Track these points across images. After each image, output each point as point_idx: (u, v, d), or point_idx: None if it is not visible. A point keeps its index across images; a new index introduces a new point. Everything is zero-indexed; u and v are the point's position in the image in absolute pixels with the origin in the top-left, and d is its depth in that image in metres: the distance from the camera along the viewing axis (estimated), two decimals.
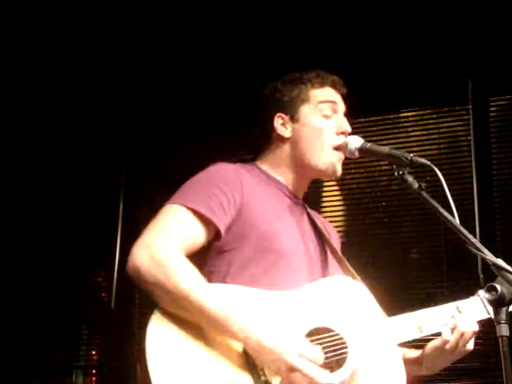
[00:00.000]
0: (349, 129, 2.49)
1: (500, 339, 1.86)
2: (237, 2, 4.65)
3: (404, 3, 4.56)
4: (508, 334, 1.86)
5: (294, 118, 2.49)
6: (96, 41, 4.97)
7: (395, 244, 4.88)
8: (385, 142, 4.77)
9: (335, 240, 2.66)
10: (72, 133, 5.41)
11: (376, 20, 4.69)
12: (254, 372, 2.09)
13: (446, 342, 2.29)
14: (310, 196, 4.99)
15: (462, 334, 2.28)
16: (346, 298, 2.33)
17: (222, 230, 2.26)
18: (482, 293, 2.27)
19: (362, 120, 5.04)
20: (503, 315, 1.86)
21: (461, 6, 4.52)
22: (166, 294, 2.09)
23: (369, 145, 2.34)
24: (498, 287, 1.85)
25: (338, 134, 2.47)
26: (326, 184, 5.04)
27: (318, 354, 2.10)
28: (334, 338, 2.18)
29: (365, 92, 4.80)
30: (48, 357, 5.25)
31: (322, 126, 2.47)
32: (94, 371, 5.37)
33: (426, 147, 4.91)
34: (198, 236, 2.24)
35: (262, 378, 2.08)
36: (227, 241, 2.29)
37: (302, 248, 2.42)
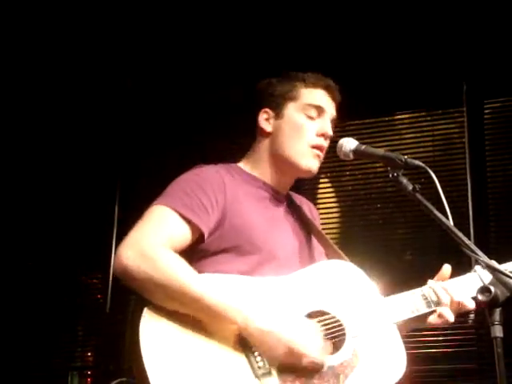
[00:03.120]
0: (330, 132, 2.49)
1: (494, 340, 1.86)
2: (233, 8, 4.67)
3: (399, 7, 4.57)
4: (502, 335, 1.86)
5: (278, 115, 2.50)
6: (92, 45, 4.98)
7: (390, 246, 4.89)
8: (379, 145, 4.78)
9: (319, 225, 2.68)
10: (68, 136, 5.42)
11: (371, 23, 4.70)
12: (251, 357, 2.10)
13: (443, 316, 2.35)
14: (305, 197, 5.02)
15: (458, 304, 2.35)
16: (340, 280, 2.36)
17: (206, 232, 2.28)
18: (478, 268, 2.27)
19: (357, 122, 5.06)
20: (497, 316, 1.87)
21: (455, 9, 4.53)
22: (159, 288, 2.10)
23: (363, 147, 2.35)
24: (492, 288, 1.86)
25: (318, 135, 2.48)
26: (321, 186, 5.06)
27: (317, 333, 2.13)
28: (330, 321, 2.21)
29: (360, 94, 4.82)
30: (43, 358, 5.24)
31: (302, 124, 2.48)
32: (89, 372, 5.37)
33: (421, 149, 4.93)
34: (182, 237, 2.25)
35: (260, 363, 2.09)
36: (213, 242, 2.30)
37: (287, 243, 2.45)
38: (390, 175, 2.20)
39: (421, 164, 2.17)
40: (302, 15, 4.69)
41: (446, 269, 2.45)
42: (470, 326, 4.50)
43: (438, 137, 4.93)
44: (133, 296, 2.23)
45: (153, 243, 2.16)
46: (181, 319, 2.11)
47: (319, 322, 2.20)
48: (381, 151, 2.30)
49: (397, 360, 2.27)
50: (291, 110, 2.49)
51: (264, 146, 2.53)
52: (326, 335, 2.17)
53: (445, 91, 4.82)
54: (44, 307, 5.23)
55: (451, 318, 2.35)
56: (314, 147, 2.47)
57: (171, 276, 2.11)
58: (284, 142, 2.48)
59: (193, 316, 2.12)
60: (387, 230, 4.94)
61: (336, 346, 2.19)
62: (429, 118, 5.00)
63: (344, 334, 2.19)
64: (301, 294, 2.26)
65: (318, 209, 5.03)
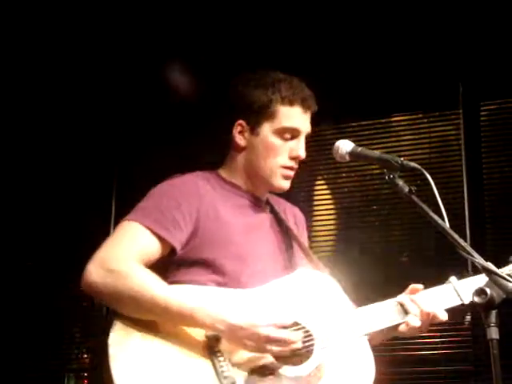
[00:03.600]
0: (303, 155, 2.49)
1: (490, 342, 1.86)
2: (224, 13, 4.68)
3: (395, 8, 4.58)
4: (498, 337, 1.87)
5: (253, 131, 2.49)
6: (89, 46, 4.98)
7: (386, 248, 4.89)
8: (376, 147, 4.78)
9: (302, 231, 2.69)
10: (64, 136, 5.41)
11: (367, 25, 4.70)
12: (216, 362, 2.11)
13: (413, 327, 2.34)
14: (301, 199, 5.03)
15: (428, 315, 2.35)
16: (313, 291, 2.36)
17: (178, 247, 2.30)
18: (453, 279, 2.40)
19: (354, 124, 5.06)
20: (493, 318, 1.87)
21: (451, 10, 4.54)
22: (129, 301, 2.13)
23: (360, 149, 2.35)
24: (488, 290, 1.86)
25: (290, 158, 2.49)
26: (317, 188, 5.06)
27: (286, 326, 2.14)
28: (300, 332, 2.20)
29: (356, 96, 4.83)
30: (40, 360, 5.24)
31: (277, 146, 2.47)
32: (85, 374, 5.36)
33: (417, 151, 4.93)
34: (152, 252, 2.27)
35: (224, 367, 2.10)
36: (186, 254, 2.32)
37: (265, 252, 2.46)
38: (386, 177, 2.20)
39: (417, 166, 2.18)
40: (299, 17, 4.69)
41: (417, 285, 2.46)
42: (466, 328, 4.50)
43: (435, 139, 4.93)
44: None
45: (118, 257, 2.18)
46: (150, 328, 2.14)
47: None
48: (377, 153, 2.31)
49: (364, 372, 2.27)
50: (267, 130, 2.47)
51: (238, 158, 2.53)
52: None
53: (441, 93, 4.82)
54: (41, 308, 5.22)
55: (417, 323, 2.34)
56: (285, 168, 2.48)
57: (137, 286, 2.13)
58: (256, 161, 2.49)
59: (162, 324, 2.15)
60: (383, 232, 4.95)
61: (305, 357, 2.19)
62: (425, 120, 5.00)
63: (313, 345, 2.20)
64: (273, 305, 2.26)
65: (314, 211, 5.10)
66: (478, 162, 4.72)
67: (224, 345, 2.14)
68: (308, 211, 5.06)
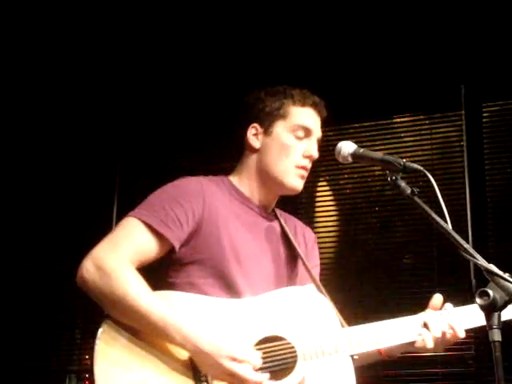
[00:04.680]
0: (316, 155, 2.53)
1: (492, 344, 1.86)
2: (230, 14, 4.68)
3: (397, 11, 4.58)
4: (500, 339, 1.86)
5: (267, 132, 2.52)
6: (90, 48, 4.98)
7: (388, 249, 4.88)
8: (378, 148, 4.78)
9: (312, 250, 2.68)
10: (66, 139, 5.42)
11: (369, 26, 4.70)
12: (197, 379, 2.12)
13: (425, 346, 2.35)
14: (303, 201, 5.04)
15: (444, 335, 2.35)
16: (304, 309, 2.35)
17: (177, 245, 2.31)
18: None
19: (356, 125, 5.06)
20: (495, 320, 1.86)
21: (453, 13, 4.53)
22: (112, 303, 2.17)
23: (362, 150, 2.35)
24: (491, 292, 1.85)
25: (304, 156, 2.51)
26: (319, 189, 5.06)
27: (255, 358, 2.13)
28: (285, 347, 2.22)
29: (358, 98, 4.83)
30: (41, 361, 5.24)
31: (290, 144, 2.50)
32: (87, 375, 5.36)
33: (419, 153, 4.92)
34: (150, 250, 2.28)
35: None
36: (186, 254, 2.33)
37: (264, 262, 2.46)
38: (389, 179, 2.19)
39: (419, 167, 2.17)
40: (300, 20, 4.69)
41: (438, 298, 2.45)
42: (469, 330, 4.49)
43: (437, 140, 4.92)
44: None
45: (113, 257, 2.19)
46: (137, 335, 2.15)
47: (274, 346, 2.21)
48: (379, 154, 2.30)
49: None
50: (280, 129, 2.51)
51: (251, 161, 2.55)
52: (276, 361, 2.19)
53: (443, 95, 4.82)
54: (42, 309, 5.22)
55: (430, 344, 2.34)
56: (299, 167, 2.50)
57: (123, 292, 2.14)
58: (271, 160, 2.51)
59: (146, 333, 2.15)
60: (386, 234, 4.94)
61: (287, 372, 2.19)
62: (427, 122, 5.00)
63: (296, 361, 2.20)
64: (260, 317, 2.26)
65: (316, 212, 5.09)
66: (480, 164, 4.72)
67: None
68: (310, 212, 5.06)
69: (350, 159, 2.38)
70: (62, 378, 5.22)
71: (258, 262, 2.43)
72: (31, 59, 5.09)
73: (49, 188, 5.41)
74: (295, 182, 2.51)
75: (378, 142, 4.97)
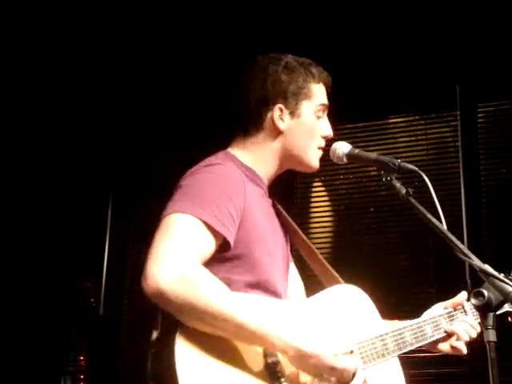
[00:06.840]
0: (331, 134, 2.48)
1: (487, 345, 1.86)
2: (232, 8, 4.68)
3: (393, 11, 4.58)
4: (495, 339, 1.86)
5: (293, 114, 2.41)
6: (87, 56, 4.99)
7: (383, 250, 4.89)
8: (373, 148, 4.78)
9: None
10: (62, 145, 5.42)
11: (364, 27, 4.71)
12: (274, 378, 2.08)
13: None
14: (298, 202, 5.02)
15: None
16: (357, 309, 2.38)
17: (232, 241, 2.18)
18: None
19: (351, 126, 5.07)
20: (490, 321, 1.87)
21: (449, 13, 4.54)
22: (197, 314, 1.99)
23: (357, 151, 2.35)
24: (485, 293, 1.86)
25: (323, 137, 2.46)
26: (314, 189, 5.05)
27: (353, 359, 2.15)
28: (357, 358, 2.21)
29: (353, 98, 4.83)
30: (36, 362, 5.23)
31: (315, 127, 2.44)
32: (82, 376, 5.36)
33: (415, 153, 4.93)
34: (210, 249, 2.13)
35: None
36: (233, 248, 2.20)
37: (280, 251, 2.42)
38: (384, 179, 2.19)
39: (414, 168, 2.17)
40: (295, 21, 4.70)
41: (462, 296, 2.56)
42: None
43: (432, 140, 4.93)
44: (160, 314, 2.12)
45: (190, 263, 2.01)
46: (214, 345, 2.04)
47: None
48: (374, 155, 2.30)
49: None
50: (306, 111, 2.43)
51: (273, 143, 2.43)
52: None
53: (439, 95, 4.82)
54: (37, 311, 5.21)
55: (464, 350, 2.47)
56: (320, 148, 2.46)
57: (212, 302, 1.99)
58: (297, 142, 2.42)
59: (225, 341, 2.06)
60: (380, 234, 4.94)
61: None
62: (423, 122, 5.01)
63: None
64: (332, 328, 2.26)
65: (311, 213, 5.09)
66: (475, 164, 4.72)
67: (284, 370, 2.11)
68: (305, 213, 5.06)
69: (345, 160, 2.38)
70: (57, 379, 5.22)
71: (279, 253, 2.40)
72: (28, 65, 5.09)
73: (44, 194, 5.39)
74: (316, 162, 2.46)
75: (373, 143, 4.98)
